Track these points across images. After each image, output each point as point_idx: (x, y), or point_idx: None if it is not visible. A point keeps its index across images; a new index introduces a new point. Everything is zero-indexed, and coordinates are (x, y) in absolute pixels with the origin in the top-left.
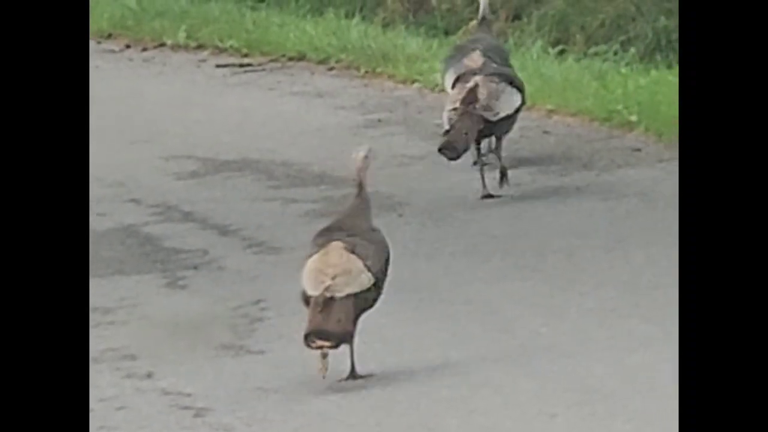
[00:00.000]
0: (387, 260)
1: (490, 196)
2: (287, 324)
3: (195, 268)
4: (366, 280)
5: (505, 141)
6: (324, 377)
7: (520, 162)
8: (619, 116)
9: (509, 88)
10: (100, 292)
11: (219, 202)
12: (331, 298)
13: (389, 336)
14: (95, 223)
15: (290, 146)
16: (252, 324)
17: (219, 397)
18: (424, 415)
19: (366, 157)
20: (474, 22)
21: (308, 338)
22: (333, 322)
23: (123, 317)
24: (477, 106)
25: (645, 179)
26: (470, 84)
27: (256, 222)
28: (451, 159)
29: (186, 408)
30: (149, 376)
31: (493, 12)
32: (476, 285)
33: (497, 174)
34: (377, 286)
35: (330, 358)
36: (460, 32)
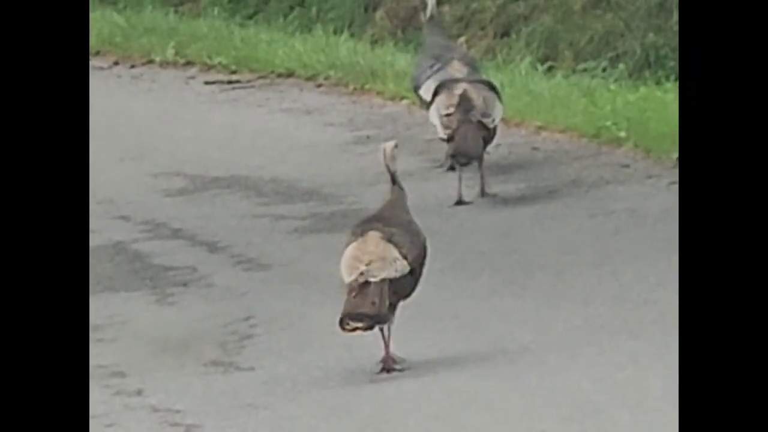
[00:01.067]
0: (424, 251)
1: (463, 202)
2: (277, 340)
3: (184, 285)
4: (401, 266)
5: (495, 157)
6: None
7: (510, 178)
8: (607, 132)
9: (495, 97)
10: (90, 309)
11: (208, 218)
12: (366, 282)
13: (378, 352)
14: (90, 239)
15: (279, 163)
16: (241, 341)
17: (209, 414)
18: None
19: (395, 147)
20: (462, 38)
21: (343, 321)
22: (367, 305)
23: (112, 334)
24: (476, 112)
25: (634, 195)
26: (459, 91)
27: (245, 239)
28: (463, 165)
29: (176, 425)
30: (139, 393)
31: (482, 28)
32: (465, 301)
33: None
34: (413, 275)
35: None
36: None
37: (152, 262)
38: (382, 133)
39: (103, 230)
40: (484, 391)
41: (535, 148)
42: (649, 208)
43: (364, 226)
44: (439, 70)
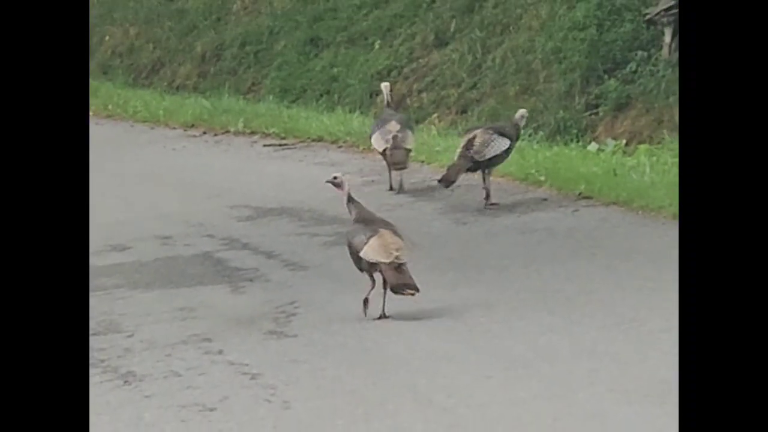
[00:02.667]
0: None
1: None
2: (313, 317)
3: (250, 280)
4: (410, 252)
5: (457, 193)
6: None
7: (467, 207)
8: (532, 177)
9: (498, 137)
10: (186, 296)
11: (266, 236)
12: (401, 264)
13: (378, 322)
14: (183, 250)
15: (313, 198)
16: (288, 317)
17: (267, 367)
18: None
19: (342, 179)
20: (434, 116)
21: (399, 289)
22: (411, 279)
23: (202, 314)
24: (472, 151)
25: (550, 219)
26: (470, 135)
27: (291, 249)
28: (445, 186)
29: (245, 374)
30: (220, 352)
31: (448, 108)
32: (438, 290)
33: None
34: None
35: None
36: (426, 122)
37: (228, 265)
38: (382, 179)
39: (196, 244)
40: (450, 350)
41: (485, 188)
42: (559, 227)
43: (372, 227)
44: (381, 126)
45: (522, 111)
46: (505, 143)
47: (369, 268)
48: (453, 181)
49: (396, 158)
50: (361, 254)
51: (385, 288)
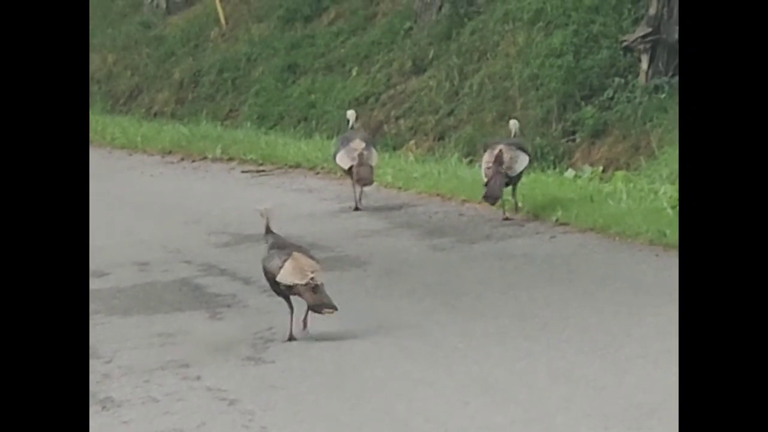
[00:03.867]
0: None
1: (508, 219)
2: (292, 343)
3: (228, 306)
4: (322, 273)
5: (434, 220)
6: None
7: (445, 234)
8: (509, 203)
9: (522, 153)
10: (164, 323)
11: (244, 262)
12: (317, 285)
13: (356, 347)
14: (161, 276)
15: (291, 225)
16: (266, 343)
17: (245, 392)
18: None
19: (268, 209)
20: (411, 142)
21: (319, 308)
22: (328, 298)
23: (180, 339)
24: (504, 167)
25: (526, 245)
26: (496, 150)
27: None
28: (492, 203)
29: (222, 399)
30: (198, 378)
31: (425, 135)
32: (415, 317)
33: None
34: None
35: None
36: (404, 148)
37: (207, 291)
38: (359, 205)
39: (173, 270)
40: (428, 375)
41: (461, 215)
42: (536, 253)
43: (286, 251)
44: (345, 145)
45: (513, 121)
46: (527, 159)
47: (286, 291)
48: (498, 197)
49: (362, 174)
50: (278, 278)
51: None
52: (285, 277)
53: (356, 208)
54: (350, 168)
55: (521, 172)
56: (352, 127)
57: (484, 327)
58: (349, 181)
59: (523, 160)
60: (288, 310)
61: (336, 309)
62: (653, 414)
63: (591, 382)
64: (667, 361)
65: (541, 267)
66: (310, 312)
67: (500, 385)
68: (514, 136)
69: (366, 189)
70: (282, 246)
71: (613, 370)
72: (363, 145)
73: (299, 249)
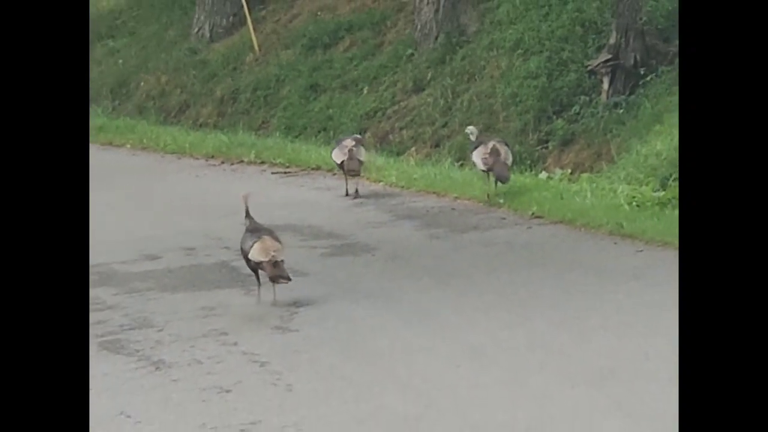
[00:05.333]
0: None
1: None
2: (312, 315)
3: (260, 284)
4: (283, 252)
5: (431, 213)
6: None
7: (440, 225)
8: (493, 200)
9: (505, 146)
10: (206, 298)
11: None
12: (278, 261)
13: (365, 319)
14: (204, 260)
15: (313, 216)
16: (291, 315)
17: (273, 356)
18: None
19: (248, 196)
20: (412, 149)
21: (275, 280)
22: (285, 271)
23: (220, 312)
24: (502, 158)
25: (508, 235)
26: (491, 145)
27: (294, 259)
28: (505, 183)
29: (255, 362)
30: (235, 344)
31: (424, 142)
32: (414, 294)
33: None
34: None
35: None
36: (406, 154)
37: (242, 272)
38: (369, 200)
39: (214, 255)
40: (425, 342)
41: (453, 209)
42: (516, 241)
43: (257, 234)
44: (339, 144)
45: (471, 127)
46: (510, 154)
47: (255, 266)
48: (509, 178)
49: (351, 167)
50: (249, 256)
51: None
52: (254, 255)
53: (347, 194)
54: (342, 162)
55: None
56: (474, 139)
57: (472, 303)
58: (361, 181)
59: (510, 154)
60: (257, 281)
61: (290, 280)
62: (612, 375)
63: (560, 349)
64: (624, 331)
65: (519, 253)
66: (276, 286)
67: (485, 351)
68: (477, 137)
69: (356, 179)
70: (255, 230)
71: (579, 339)
72: (353, 143)
73: (269, 233)
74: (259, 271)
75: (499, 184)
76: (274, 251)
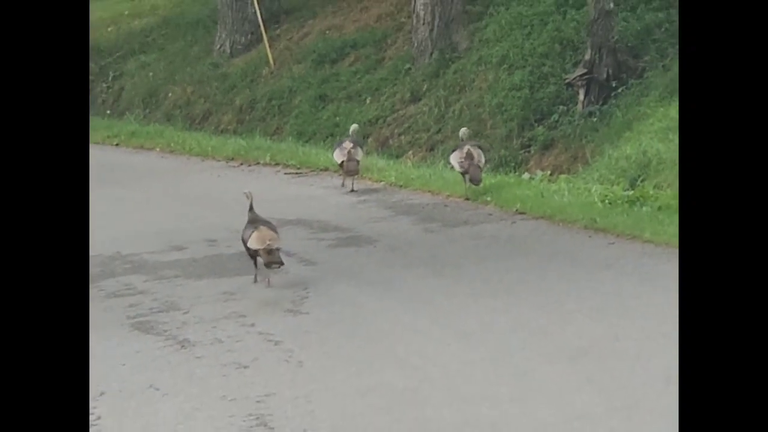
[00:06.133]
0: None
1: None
2: (320, 300)
3: (275, 272)
4: (279, 241)
5: (426, 209)
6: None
7: (434, 220)
8: (482, 198)
9: (482, 151)
10: (227, 284)
11: (287, 240)
12: (272, 249)
13: (368, 303)
14: (225, 250)
15: (321, 212)
16: (302, 300)
17: (286, 336)
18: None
19: (249, 193)
20: (409, 152)
21: (271, 265)
22: (279, 258)
23: (239, 296)
24: (475, 161)
25: (494, 229)
26: (465, 149)
27: (304, 250)
28: (477, 185)
29: (270, 341)
30: (252, 325)
31: (420, 146)
32: (411, 281)
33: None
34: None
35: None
36: (404, 157)
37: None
38: (372, 198)
39: (234, 246)
40: (420, 324)
41: (446, 205)
42: (501, 235)
43: (255, 224)
44: (339, 146)
45: (464, 129)
46: (483, 156)
47: (253, 253)
48: (481, 180)
49: (350, 167)
50: (248, 244)
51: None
52: (252, 243)
53: (342, 184)
54: (342, 162)
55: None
56: (350, 135)
57: (462, 289)
58: (365, 181)
59: (483, 156)
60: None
61: (282, 264)
62: (587, 353)
63: (541, 330)
64: (597, 315)
65: (504, 245)
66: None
67: (473, 332)
68: (466, 139)
69: (354, 177)
70: (254, 221)
71: (557, 321)
72: (351, 145)
73: (266, 224)
74: (257, 258)
75: (471, 185)
76: (269, 240)
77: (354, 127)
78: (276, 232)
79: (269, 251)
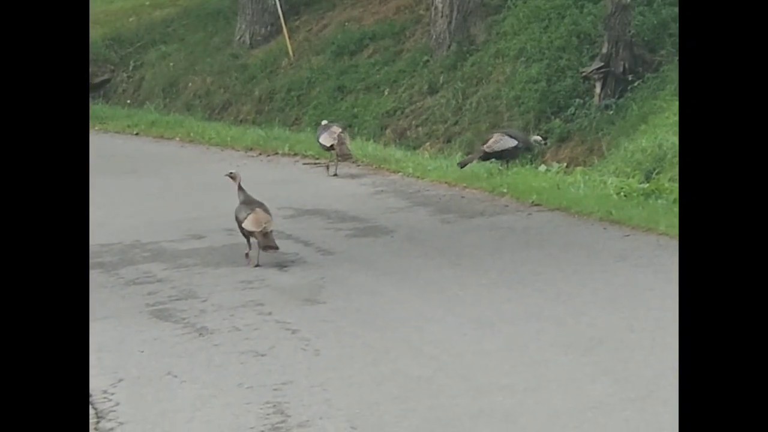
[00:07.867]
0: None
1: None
2: (337, 289)
3: (292, 261)
4: (272, 223)
5: (443, 201)
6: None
7: (450, 211)
8: (498, 189)
9: (505, 137)
10: (245, 273)
11: (304, 230)
12: (268, 231)
13: (384, 293)
14: (243, 239)
15: (338, 202)
16: (319, 289)
17: (303, 324)
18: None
19: (234, 174)
20: (427, 144)
21: (265, 249)
22: (274, 241)
23: (257, 285)
24: (485, 146)
25: (510, 220)
26: (490, 135)
27: (322, 239)
28: (460, 168)
29: (287, 329)
30: (270, 313)
31: (437, 138)
32: (428, 271)
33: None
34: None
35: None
36: (421, 148)
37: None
38: (389, 189)
39: None
40: (436, 314)
41: (462, 197)
42: (517, 226)
43: (250, 207)
44: (326, 130)
45: (536, 137)
46: (511, 142)
47: (248, 234)
48: (466, 164)
49: (343, 151)
50: (243, 225)
51: (257, 247)
52: (248, 225)
53: (327, 167)
54: (331, 146)
55: (503, 151)
56: (324, 123)
57: (477, 279)
58: (382, 172)
59: (505, 143)
60: (247, 245)
61: (278, 248)
62: (601, 344)
63: (555, 320)
64: (612, 306)
65: (520, 236)
66: (265, 254)
67: (489, 322)
68: (528, 138)
69: (347, 162)
70: (249, 202)
71: (572, 312)
72: (339, 129)
73: (260, 205)
74: (251, 239)
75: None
76: (265, 223)
77: (324, 122)
78: (270, 214)
79: (265, 234)
